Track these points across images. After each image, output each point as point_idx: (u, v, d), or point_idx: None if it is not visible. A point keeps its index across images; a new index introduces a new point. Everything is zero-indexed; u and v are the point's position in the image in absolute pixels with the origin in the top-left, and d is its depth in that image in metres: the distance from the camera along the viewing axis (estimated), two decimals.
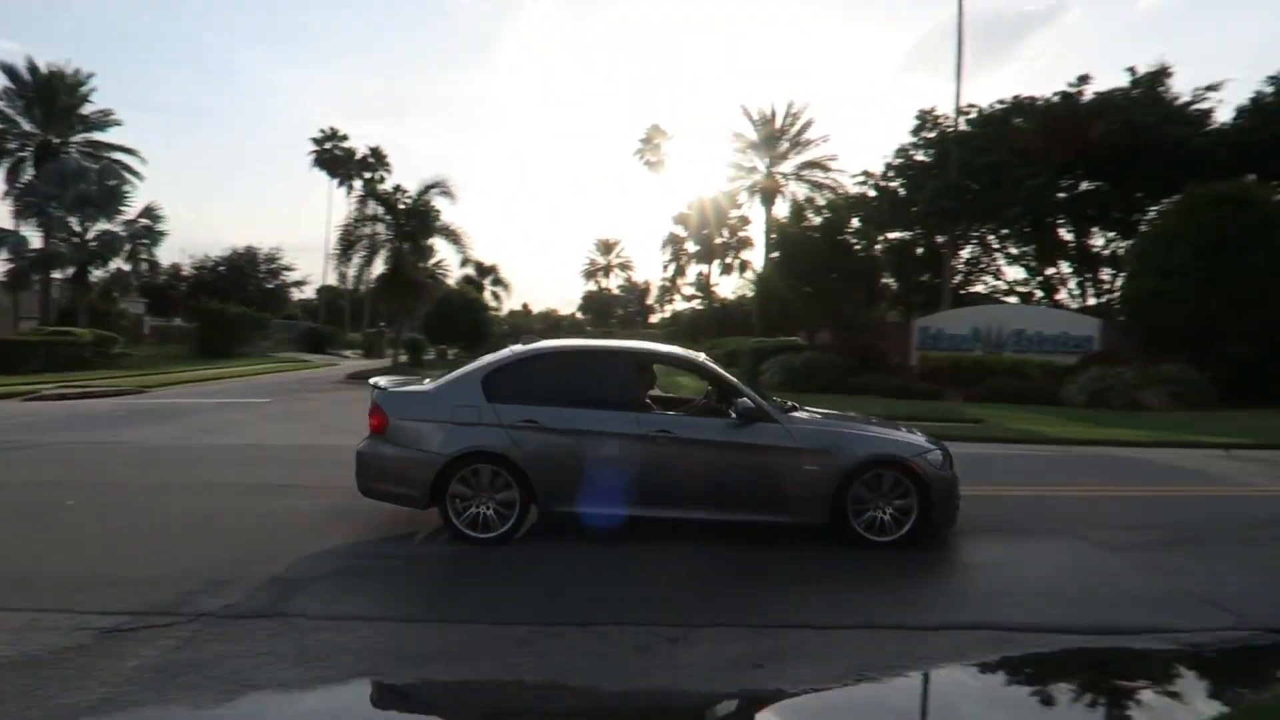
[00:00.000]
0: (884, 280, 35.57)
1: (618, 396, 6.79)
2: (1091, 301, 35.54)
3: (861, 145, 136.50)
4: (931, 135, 37.06)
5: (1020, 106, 35.29)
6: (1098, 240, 35.53)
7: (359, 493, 6.81)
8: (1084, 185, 33.44)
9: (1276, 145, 29.05)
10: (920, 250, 36.46)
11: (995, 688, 4.44)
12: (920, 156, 37.42)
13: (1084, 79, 33.84)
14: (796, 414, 7.05)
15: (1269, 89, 30.88)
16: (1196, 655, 4.74)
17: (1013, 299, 37.35)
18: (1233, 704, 4.07)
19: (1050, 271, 37.58)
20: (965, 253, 37.57)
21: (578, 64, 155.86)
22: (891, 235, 37.08)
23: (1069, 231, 35.66)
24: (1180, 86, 39.13)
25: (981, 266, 38.87)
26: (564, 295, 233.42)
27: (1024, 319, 26.70)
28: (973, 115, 35.86)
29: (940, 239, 34.51)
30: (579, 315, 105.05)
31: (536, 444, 6.47)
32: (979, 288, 38.72)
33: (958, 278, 36.69)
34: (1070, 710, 4.17)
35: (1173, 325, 21.65)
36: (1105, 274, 35.45)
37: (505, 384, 6.70)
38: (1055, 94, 34.28)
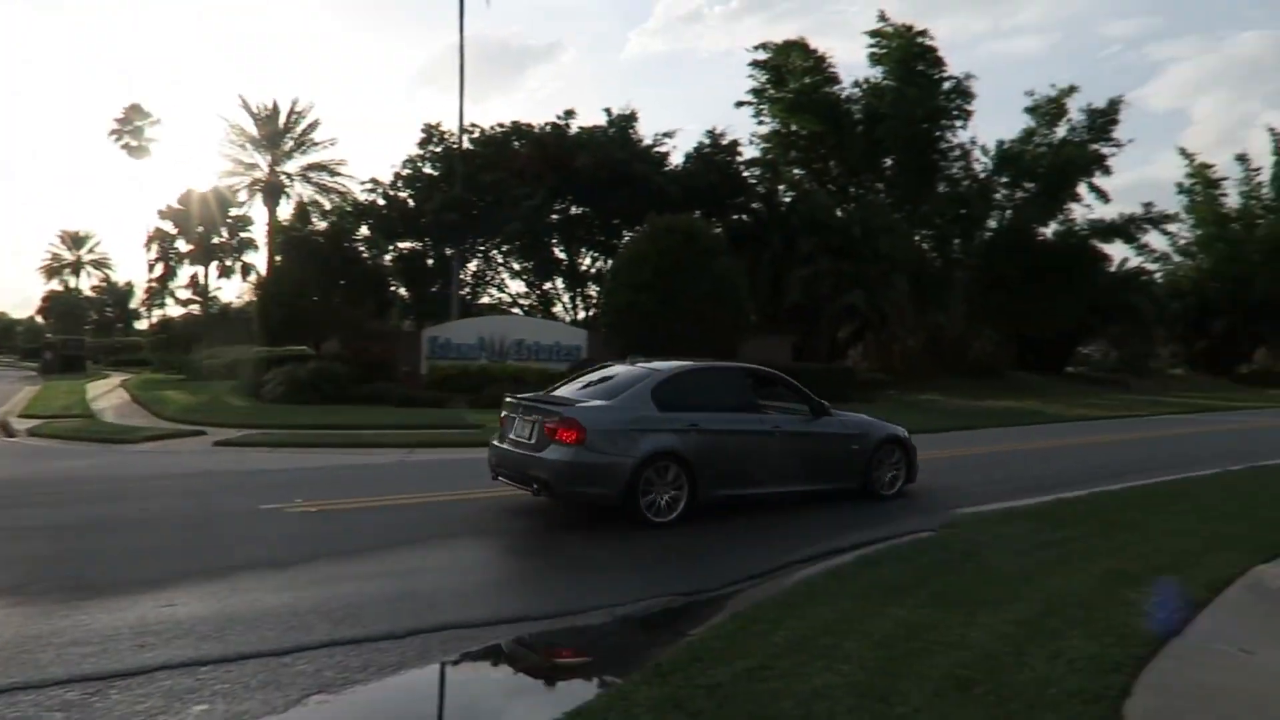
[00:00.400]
0: (394, 289, 35.61)
1: (745, 402, 8.86)
2: (581, 315, 39.68)
3: (376, 154, 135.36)
4: (439, 150, 37.96)
5: (519, 131, 37.84)
6: (586, 260, 39.83)
7: (554, 499, 8.09)
8: (573, 209, 37.12)
9: (712, 189, 35.52)
10: (430, 261, 37.12)
11: (457, 684, 4.68)
12: (429, 169, 38.08)
13: (570, 113, 37.50)
14: (840, 412, 9.55)
15: (707, 141, 37.60)
16: (627, 621, 5.56)
17: (516, 310, 40.03)
18: (649, 658, 4.75)
19: (547, 286, 41.10)
20: (473, 265, 39.21)
21: (28, 21, 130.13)
22: (403, 245, 37.19)
23: (561, 251, 39.37)
24: (645, 130, 45.57)
25: (488, 279, 40.89)
26: (21, 296, 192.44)
27: (524, 330, 28.78)
28: (476, 135, 37.56)
29: (449, 251, 35.53)
30: (40, 319, 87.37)
31: (699, 443, 8.05)
32: (486, 299, 40.70)
33: (466, 290, 38.11)
34: (526, 691, 4.57)
35: (642, 336, 25.14)
36: (592, 290, 39.82)
37: (668, 396, 8.18)
38: (547, 124, 37.49)
